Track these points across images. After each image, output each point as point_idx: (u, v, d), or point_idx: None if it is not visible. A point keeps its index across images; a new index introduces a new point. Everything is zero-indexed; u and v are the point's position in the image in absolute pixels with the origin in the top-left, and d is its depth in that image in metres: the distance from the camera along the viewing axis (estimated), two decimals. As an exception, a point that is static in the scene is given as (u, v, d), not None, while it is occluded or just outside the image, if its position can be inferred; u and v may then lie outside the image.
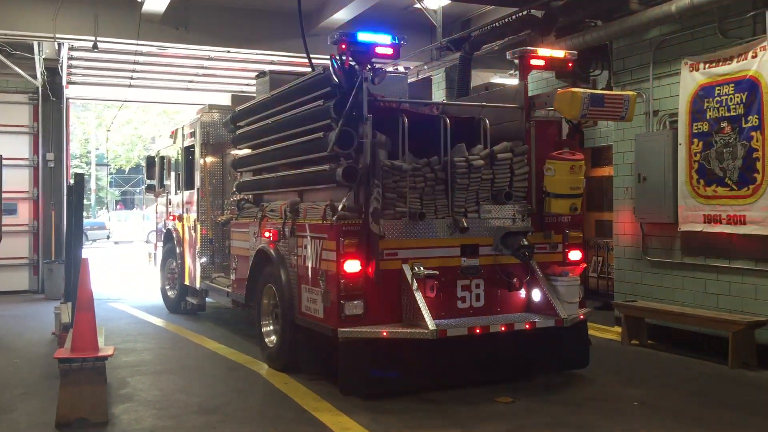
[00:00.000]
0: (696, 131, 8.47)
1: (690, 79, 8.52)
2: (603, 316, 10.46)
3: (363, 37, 6.35)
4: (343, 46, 6.33)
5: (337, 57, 6.39)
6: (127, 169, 47.63)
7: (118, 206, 51.39)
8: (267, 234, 8.01)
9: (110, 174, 51.54)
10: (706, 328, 8.29)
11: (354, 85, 6.34)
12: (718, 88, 8.15)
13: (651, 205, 9.13)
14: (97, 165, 48.38)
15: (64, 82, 14.99)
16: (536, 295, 7.09)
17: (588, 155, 12.46)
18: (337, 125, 6.40)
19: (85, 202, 47.42)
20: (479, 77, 14.22)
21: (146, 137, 41.36)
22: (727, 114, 8.06)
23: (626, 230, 9.74)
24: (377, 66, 6.59)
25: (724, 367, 7.75)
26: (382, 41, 6.45)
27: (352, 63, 6.41)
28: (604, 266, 12.31)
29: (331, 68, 6.47)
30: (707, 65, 8.30)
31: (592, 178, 12.36)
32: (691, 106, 8.53)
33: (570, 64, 7.55)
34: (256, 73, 9.76)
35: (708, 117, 8.29)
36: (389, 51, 6.52)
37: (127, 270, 20.54)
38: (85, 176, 46.03)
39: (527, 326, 6.75)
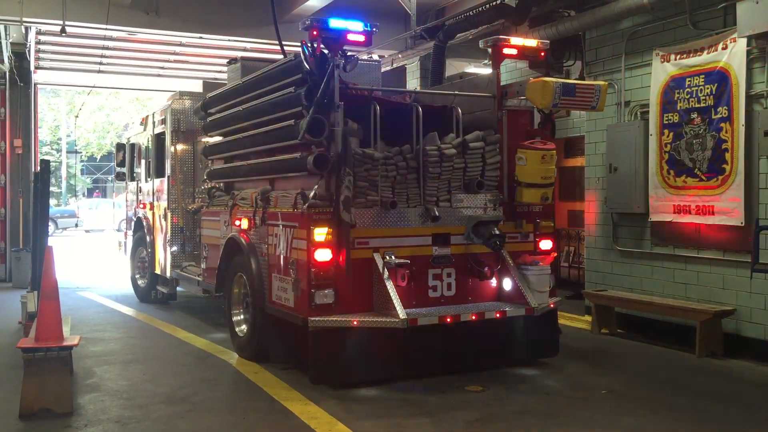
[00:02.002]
0: (666, 122, 8.53)
1: (661, 70, 8.57)
2: (574, 306, 10.55)
3: (335, 23, 6.28)
4: (315, 33, 6.26)
5: (309, 43, 6.32)
6: (98, 157, 46.99)
7: (95, 194, 50.63)
8: (237, 222, 7.93)
9: (82, 161, 50.81)
10: (674, 317, 8.38)
11: (325, 72, 6.28)
12: (689, 79, 8.20)
13: (622, 195, 9.19)
14: (67, 152, 47.67)
15: (32, 67, 14.72)
16: (507, 284, 7.11)
17: (561, 145, 12.53)
18: (308, 113, 6.34)
19: (56, 189, 46.77)
20: (454, 66, 14.24)
21: (118, 124, 40.80)
22: (697, 105, 8.12)
23: (597, 220, 9.81)
24: (349, 53, 6.53)
25: (692, 355, 7.84)
26: (354, 28, 6.38)
27: (324, 50, 6.35)
28: (576, 256, 12.43)
29: (302, 55, 6.40)
30: (678, 56, 8.35)
31: (565, 168, 12.44)
32: (662, 97, 8.58)
33: (542, 54, 7.56)
34: (228, 60, 9.64)
35: (678, 108, 8.34)
36: (361, 38, 6.45)
37: (97, 258, 20.28)
38: (56, 164, 45.66)
39: (497, 315, 6.77)
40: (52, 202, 42.61)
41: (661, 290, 8.74)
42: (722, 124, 7.81)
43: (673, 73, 8.40)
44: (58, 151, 47.13)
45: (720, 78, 7.81)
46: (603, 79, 9.22)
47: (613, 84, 9.24)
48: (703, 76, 8.03)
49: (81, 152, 47.87)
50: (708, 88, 7.97)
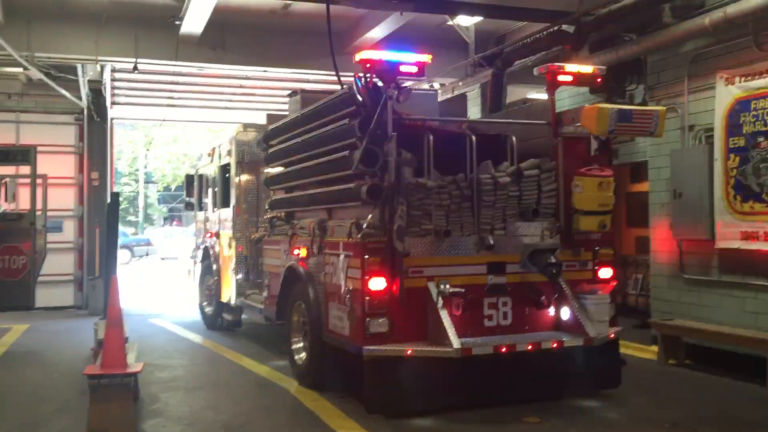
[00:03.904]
0: (732, 146, 8.28)
1: (725, 93, 8.35)
2: (641, 335, 10.25)
3: (387, 55, 6.38)
4: (368, 65, 6.37)
5: (361, 76, 6.44)
6: (173, 187, 48.53)
7: (175, 222, 52.13)
8: (296, 251, 8.08)
9: (158, 191, 52.55)
10: (744, 348, 8.05)
11: (378, 103, 6.38)
12: (754, 102, 7.97)
13: (687, 221, 8.94)
14: (145, 182, 49.42)
15: (108, 103, 15.39)
16: (565, 313, 6.99)
17: (627, 171, 12.31)
18: (361, 144, 6.44)
19: (134, 218, 48.50)
20: (515, 93, 14.19)
21: (192, 155, 42.15)
22: (763, 128, 7.87)
23: (663, 247, 9.55)
24: (403, 84, 6.62)
25: (763, 388, 7.52)
26: (406, 59, 6.46)
27: (377, 82, 6.45)
28: (644, 283, 12.10)
29: (354, 87, 6.53)
30: (743, 78, 8.12)
31: (632, 194, 12.19)
32: (727, 121, 8.35)
33: (599, 80, 7.46)
34: (289, 92, 9.89)
35: (744, 132, 8.10)
36: (414, 69, 6.51)
37: (169, 286, 20.89)
38: (134, 194, 47.38)
39: (555, 345, 6.66)
40: (130, 230, 44.25)
41: (730, 320, 8.42)
42: (790, 148, 7.54)
43: (738, 95, 8.17)
44: (136, 181, 48.93)
45: (787, 100, 7.57)
46: (665, 103, 9.08)
47: (676, 108, 9.05)
48: (769, 98, 7.79)
49: (157, 182, 49.53)
50: (774, 111, 7.73)
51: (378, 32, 12.22)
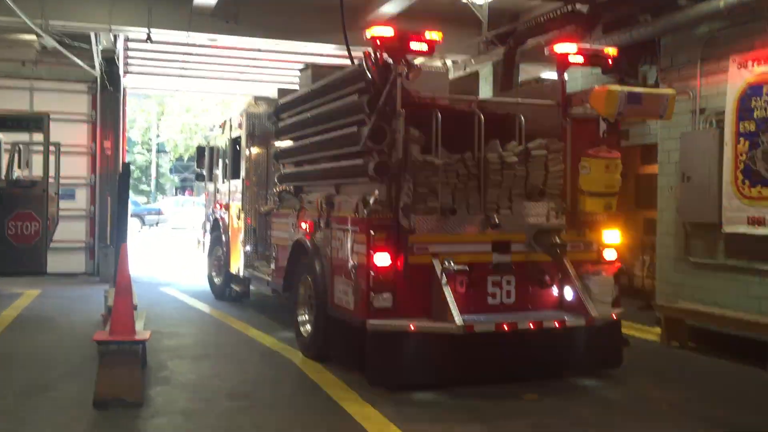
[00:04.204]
0: (743, 131, 8.26)
1: (738, 76, 8.31)
2: (646, 317, 10.29)
3: (397, 32, 6.38)
4: (378, 42, 6.39)
5: (371, 53, 6.45)
6: (185, 157, 48.67)
7: (187, 192, 52.31)
8: (304, 225, 8.16)
9: (171, 161, 52.72)
10: (746, 332, 8.10)
11: (387, 80, 6.40)
12: (767, 87, 7.93)
13: (695, 205, 8.95)
14: (157, 152, 49.59)
15: (121, 72, 15.45)
16: (568, 293, 7.05)
17: (638, 152, 12.27)
18: (370, 120, 6.48)
19: (146, 188, 48.76)
20: (528, 72, 14.14)
21: (204, 126, 42.24)
22: (774, 114, 7.85)
23: (669, 230, 9.58)
24: (413, 62, 6.63)
25: (764, 372, 7.57)
26: (417, 37, 6.47)
27: (387, 58, 6.47)
28: (651, 265, 12.11)
29: (364, 63, 6.55)
30: (756, 63, 8.08)
31: (642, 176, 12.17)
32: (738, 105, 8.32)
33: (610, 61, 7.43)
34: (301, 67, 9.91)
35: (755, 116, 8.07)
36: (424, 47, 6.52)
37: (180, 255, 21.07)
38: (146, 163, 47.56)
39: (557, 324, 6.73)
40: (142, 199, 44.50)
41: (734, 304, 8.46)
42: (800, 134, 7.52)
43: (750, 80, 8.14)
44: (149, 150, 49.11)
45: (798, 86, 7.53)
46: (678, 86, 9.04)
47: (687, 91, 9.02)
48: (781, 83, 7.76)
49: (169, 152, 49.69)
50: (786, 96, 7.70)
51: (391, 8, 12.16)
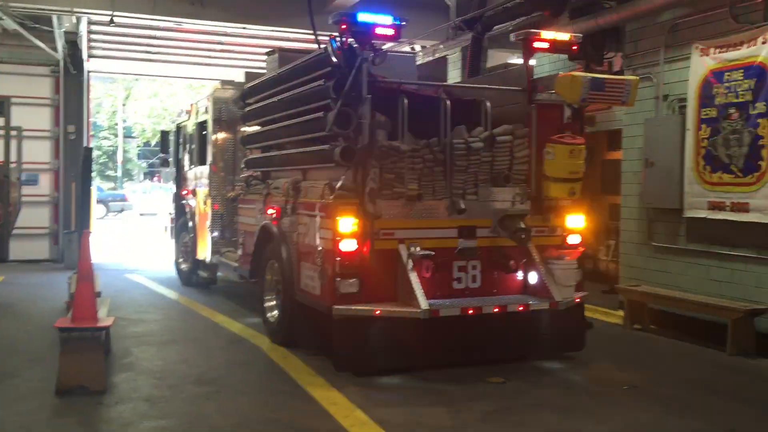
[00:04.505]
0: (704, 117, 8.39)
1: (700, 63, 8.42)
2: (609, 300, 10.46)
3: (363, 17, 6.36)
4: (343, 27, 6.35)
5: (337, 37, 6.43)
6: (153, 142, 47.99)
7: (155, 178, 51.63)
8: (270, 211, 8.13)
9: (138, 147, 52.00)
10: (706, 315, 8.27)
11: (353, 65, 6.38)
12: (728, 73, 8.05)
13: (658, 190, 9.08)
14: (124, 137, 48.85)
15: (84, 56, 15.19)
16: (533, 277, 7.14)
17: (604, 138, 12.38)
18: (336, 105, 6.46)
19: (113, 173, 48.04)
20: (496, 57, 14.16)
21: (172, 111, 41.70)
22: (735, 100, 7.97)
23: (633, 215, 9.72)
24: (378, 46, 6.61)
25: (723, 354, 7.75)
26: (382, 21, 6.44)
27: (352, 43, 6.44)
28: (616, 250, 12.27)
29: (329, 48, 6.51)
30: (717, 50, 8.20)
31: (608, 162, 12.28)
32: (700, 92, 8.44)
33: (575, 47, 7.49)
34: (267, 51, 9.83)
35: (716, 103, 8.20)
36: (390, 32, 6.50)
37: (146, 242, 20.86)
38: (113, 148, 46.81)
39: (521, 308, 6.81)
40: (108, 185, 43.89)
41: (695, 287, 8.63)
42: (760, 120, 7.66)
43: (712, 67, 8.26)
44: (116, 135, 48.35)
45: (758, 73, 7.65)
46: (641, 72, 9.16)
47: (651, 77, 9.13)
48: (741, 70, 7.87)
49: (137, 137, 48.99)
50: (746, 83, 7.82)
51: (359, -8, 12.12)
